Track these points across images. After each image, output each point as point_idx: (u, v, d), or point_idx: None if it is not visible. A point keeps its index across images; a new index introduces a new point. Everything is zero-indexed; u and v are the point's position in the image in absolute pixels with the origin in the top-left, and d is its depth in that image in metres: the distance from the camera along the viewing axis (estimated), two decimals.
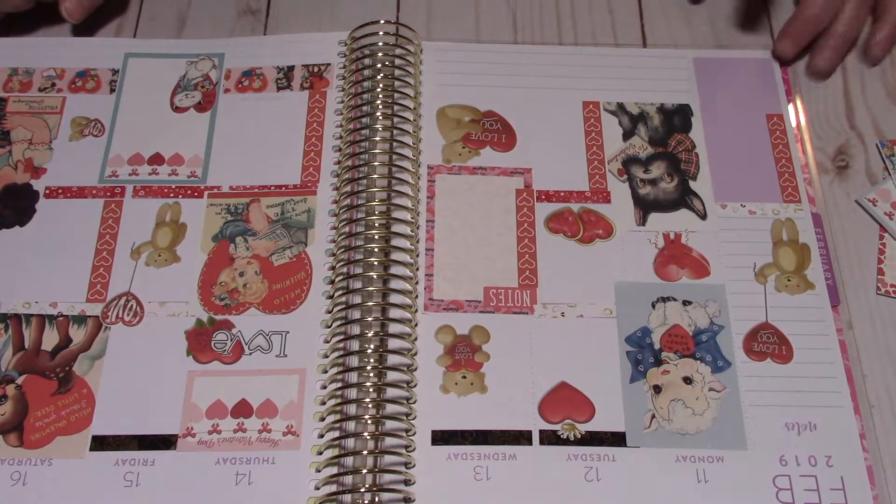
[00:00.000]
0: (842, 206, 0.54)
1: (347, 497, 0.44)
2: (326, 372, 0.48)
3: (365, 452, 0.45)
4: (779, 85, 0.57)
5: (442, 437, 0.46)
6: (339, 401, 0.47)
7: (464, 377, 0.48)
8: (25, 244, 0.52)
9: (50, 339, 0.49)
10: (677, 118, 0.56)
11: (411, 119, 0.55)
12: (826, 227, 0.53)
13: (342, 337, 0.48)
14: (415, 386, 0.47)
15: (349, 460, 0.45)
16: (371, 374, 0.47)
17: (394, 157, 0.53)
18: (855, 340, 0.50)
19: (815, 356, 0.48)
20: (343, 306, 0.49)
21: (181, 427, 0.47)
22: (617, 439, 0.46)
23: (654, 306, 0.50)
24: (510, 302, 0.50)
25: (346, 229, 0.51)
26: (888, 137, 0.56)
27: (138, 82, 0.57)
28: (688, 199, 0.53)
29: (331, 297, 0.50)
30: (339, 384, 0.47)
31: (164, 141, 0.55)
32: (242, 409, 0.47)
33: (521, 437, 0.46)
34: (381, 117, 0.54)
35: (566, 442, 0.46)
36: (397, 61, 0.56)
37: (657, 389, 0.48)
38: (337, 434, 0.46)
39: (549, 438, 0.46)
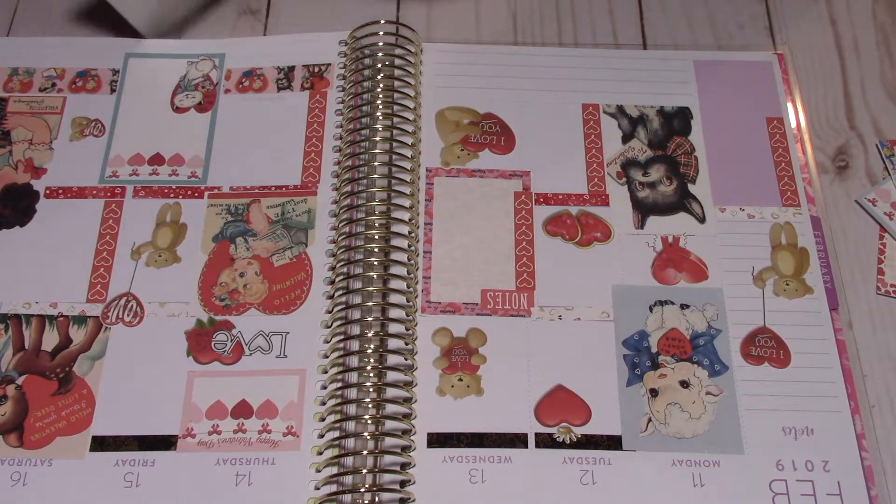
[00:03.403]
0: (842, 206, 0.54)
1: (347, 497, 0.44)
2: (326, 372, 0.48)
3: (365, 452, 0.46)
4: (779, 87, 0.57)
5: (438, 440, 0.46)
6: (339, 401, 0.47)
7: (460, 380, 0.48)
8: (25, 244, 0.52)
9: (50, 340, 0.49)
10: (677, 121, 0.56)
11: (411, 119, 0.55)
12: (826, 228, 0.53)
13: (342, 337, 0.49)
14: (415, 386, 0.48)
15: (349, 460, 0.46)
16: (371, 375, 0.47)
17: (394, 157, 0.53)
18: (855, 340, 0.50)
19: (812, 361, 0.49)
20: (343, 306, 0.49)
21: (181, 427, 0.47)
22: (613, 443, 0.46)
23: (651, 310, 0.50)
24: (507, 305, 0.50)
25: (347, 230, 0.51)
26: (888, 137, 0.56)
27: (139, 82, 0.57)
28: (686, 203, 0.53)
29: (331, 297, 0.50)
30: (339, 384, 0.47)
31: (164, 141, 0.55)
32: (242, 410, 0.47)
33: (517, 440, 0.46)
34: (381, 118, 0.54)
35: (562, 445, 0.46)
36: (397, 62, 0.56)
37: (654, 393, 0.48)
38: (337, 434, 0.46)
39: (545, 441, 0.46)
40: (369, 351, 0.47)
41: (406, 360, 0.48)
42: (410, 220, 0.52)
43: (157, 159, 0.55)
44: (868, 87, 0.58)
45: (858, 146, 0.56)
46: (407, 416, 0.47)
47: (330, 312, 0.50)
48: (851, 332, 0.50)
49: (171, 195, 0.54)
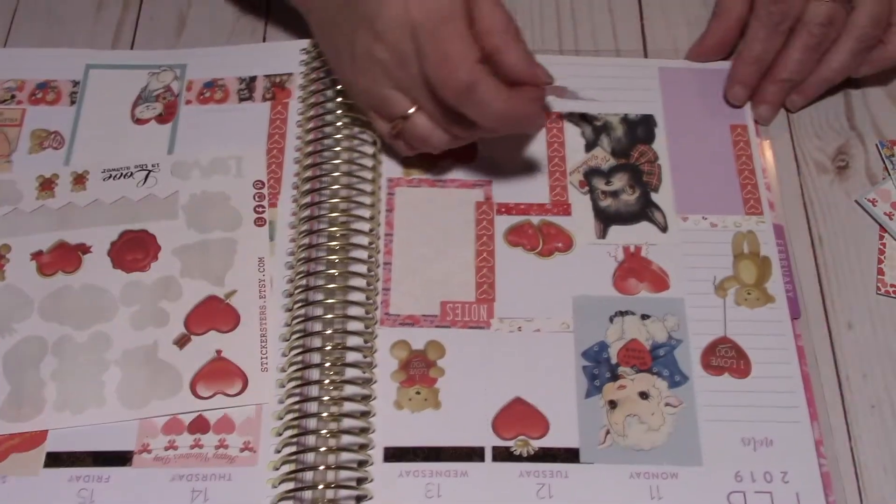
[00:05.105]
0: (841, 206, 0.54)
1: None
2: (284, 386, 0.48)
3: (322, 468, 0.45)
4: None
5: (395, 454, 0.46)
6: (296, 415, 0.47)
7: (417, 393, 0.48)
8: None
9: None
10: (641, 129, 0.56)
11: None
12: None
13: (300, 350, 0.48)
14: (373, 400, 0.47)
15: (307, 475, 0.45)
16: (329, 388, 0.47)
17: (354, 168, 0.53)
18: (855, 341, 0.50)
19: (773, 371, 0.48)
20: (301, 319, 0.49)
21: (137, 443, 0.46)
22: (570, 455, 0.46)
23: (612, 320, 0.50)
24: (467, 316, 0.50)
25: (306, 241, 0.51)
26: (888, 137, 0.56)
27: (99, 94, 0.57)
28: (649, 212, 0.53)
29: (289, 310, 0.50)
30: (297, 398, 0.47)
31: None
32: (199, 425, 0.47)
33: (474, 454, 0.46)
34: (341, 127, 0.54)
35: (519, 458, 0.46)
36: None
37: (613, 405, 0.47)
38: (294, 449, 0.46)
39: (502, 455, 0.46)
40: (327, 365, 0.47)
41: (364, 373, 0.48)
42: (371, 231, 0.51)
43: None
44: (868, 86, 0.58)
45: (858, 146, 0.56)
46: (364, 431, 0.46)
47: (288, 326, 0.49)
48: (851, 332, 0.50)
49: None
